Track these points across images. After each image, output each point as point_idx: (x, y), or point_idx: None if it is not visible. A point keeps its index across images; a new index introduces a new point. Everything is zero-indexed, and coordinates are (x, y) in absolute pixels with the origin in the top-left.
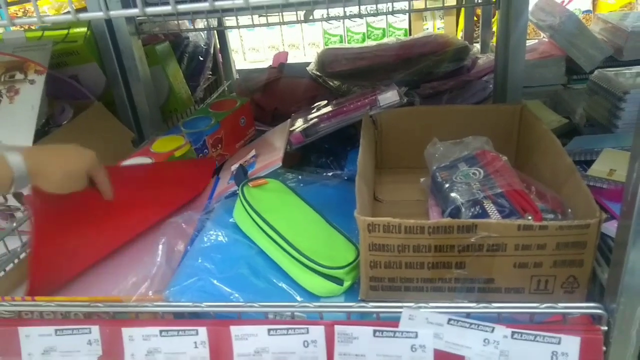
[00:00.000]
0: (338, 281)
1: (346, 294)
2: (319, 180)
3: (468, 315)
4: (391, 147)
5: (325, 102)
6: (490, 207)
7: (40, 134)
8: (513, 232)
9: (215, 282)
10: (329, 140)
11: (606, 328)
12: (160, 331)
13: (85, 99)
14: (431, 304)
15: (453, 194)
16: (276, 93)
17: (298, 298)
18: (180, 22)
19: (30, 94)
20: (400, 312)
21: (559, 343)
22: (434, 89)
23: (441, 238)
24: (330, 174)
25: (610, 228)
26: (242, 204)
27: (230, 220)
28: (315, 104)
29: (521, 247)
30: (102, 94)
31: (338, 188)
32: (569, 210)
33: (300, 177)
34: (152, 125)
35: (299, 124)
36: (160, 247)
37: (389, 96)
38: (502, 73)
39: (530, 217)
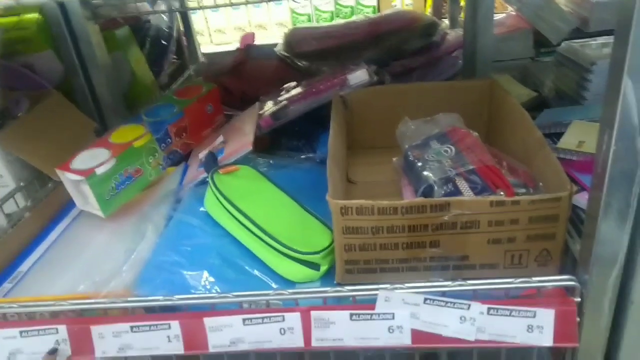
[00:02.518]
0: (314, 266)
1: (323, 278)
2: (290, 164)
3: (444, 293)
4: (362, 127)
5: (295, 83)
6: (462, 185)
7: None
8: (486, 208)
9: (186, 274)
10: (300, 122)
11: (579, 299)
12: (131, 327)
13: (42, 88)
14: (407, 285)
15: (425, 173)
16: (244, 76)
17: (273, 285)
18: (139, 4)
19: None
20: (376, 295)
21: (534, 316)
22: (404, 67)
23: (414, 218)
24: (302, 157)
25: (581, 200)
26: (213, 192)
27: (201, 209)
28: (284, 86)
29: (494, 223)
30: (60, 83)
31: (311, 171)
32: (540, 184)
33: (271, 161)
34: (115, 113)
35: (268, 107)
36: (131, 240)
37: (359, 75)
38: (471, 48)
39: (502, 193)
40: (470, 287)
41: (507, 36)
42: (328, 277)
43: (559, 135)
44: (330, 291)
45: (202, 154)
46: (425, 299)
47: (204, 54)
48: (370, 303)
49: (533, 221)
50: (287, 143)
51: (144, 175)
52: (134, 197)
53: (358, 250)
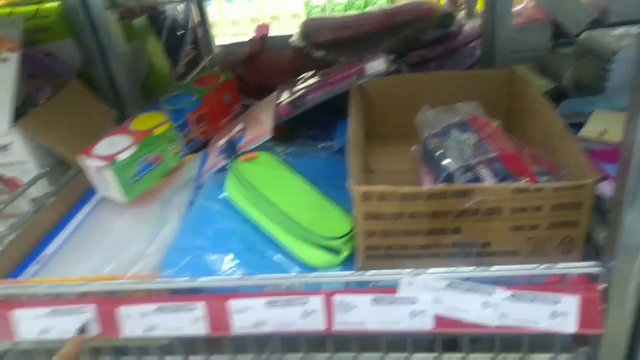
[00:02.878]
0: (335, 252)
1: (343, 264)
2: (308, 153)
3: (466, 279)
4: (380, 116)
5: (311, 73)
6: (484, 172)
7: (18, 114)
8: (508, 195)
9: (209, 257)
10: (317, 111)
11: (605, 285)
12: (158, 308)
13: (62, 77)
14: (429, 270)
15: (445, 161)
16: (260, 66)
17: (295, 270)
18: None
19: (4, 73)
20: (399, 279)
21: (558, 303)
22: (421, 57)
23: (437, 204)
24: (319, 146)
25: (604, 188)
26: (234, 178)
27: (222, 195)
28: (301, 76)
29: (517, 210)
30: (79, 72)
31: (328, 160)
32: (563, 172)
33: (289, 149)
34: (133, 102)
35: (286, 96)
36: (154, 224)
37: (376, 65)
38: (490, 38)
39: (525, 180)
40: (493, 273)
41: (525, 27)
42: (348, 264)
43: (579, 126)
44: (353, 275)
45: (222, 142)
46: (448, 284)
47: (219, 46)
48: (392, 288)
49: (556, 208)
50: (305, 132)
51: (164, 163)
52: (155, 184)
53: (379, 236)
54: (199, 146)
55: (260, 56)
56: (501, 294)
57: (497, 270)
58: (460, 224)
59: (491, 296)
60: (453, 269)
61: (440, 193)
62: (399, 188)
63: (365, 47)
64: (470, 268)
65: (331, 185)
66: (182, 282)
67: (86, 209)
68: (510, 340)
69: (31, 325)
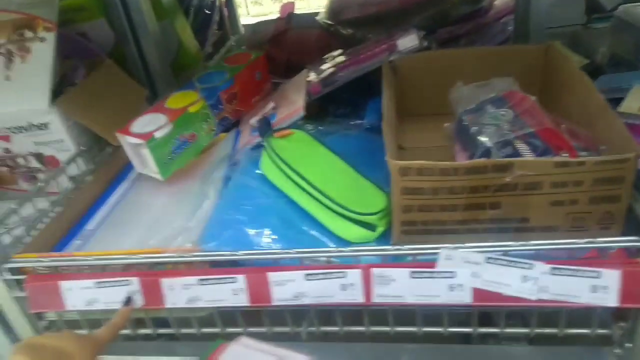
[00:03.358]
0: (370, 227)
1: (377, 241)
2: (339, 131)
3: (505, 253)
4: (412, 93)
5: (340, 51)
6: (522, 147)
7: (55, 94)
8: (549, 169)
9: (249, 231)
10: (347, 90)
11: None
12: (199, 280)
13: (96, 56)
14: (468, 244)
15: (482, 137)
16: (286, 45)
17: (330, 245)
18: None
19: (43, 52)
20: (437, 253)
21: (598, 277)
22: (451, 34)
23: (476, 179)
24: (351, 123)
25: None
26: (269, 155)
27: (257, 171)
28: (328, 55)
29: (557, 185)
30: (111, 51)
31: (359, 138)
32: (602, 147)
33: (320, 127)
34: (164, 82)
35: (316, 74)
36: (193, 199)
37: (408, 41)
38: (524, 13)
39: (565, 155)
40: (533, 247)
41: (558, 2)
42: (383, 240)
43: (616, 102)
44: (391, 249)
45: (254, 120)
46: (488, 258)
47: (244, 25)
48: (429, 262)
49: (597, 183)
50: (335, 110)
51: (198, 141)
52: (190, 162)
53: (416, 211)
54: (231, 125)
55: (286, 35)
56: (541, 267)
57: (537, 244)
58: (499, 199)
59: (531, 270)
60: (492, 243)
61: (479, 167)
62: (437, 163)
63: (394, 24)
64: (509, 242)
65: (363, 162)
66: (225, 255)
67: (124, 186)
68: (548, 314)
69: (78, 296)
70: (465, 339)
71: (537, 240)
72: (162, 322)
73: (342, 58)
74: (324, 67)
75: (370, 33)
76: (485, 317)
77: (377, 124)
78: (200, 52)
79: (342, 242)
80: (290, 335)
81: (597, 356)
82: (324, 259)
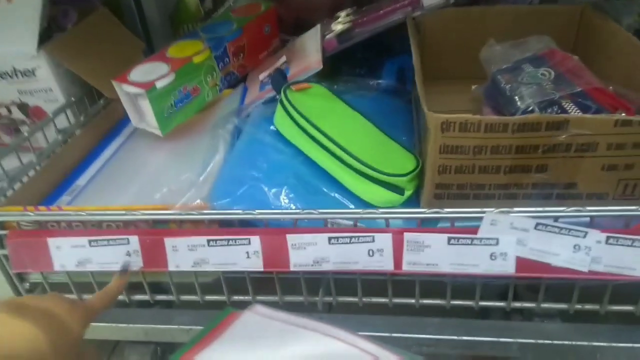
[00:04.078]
0: (398, 190)
1: (404, 205)
2: (354, 91)
3: (555, 220)
4: (434, 54)
5: (354, 8)
6: (570, 108)
7: (43, 39)
8: (609, 128)
9: (263, 190)
10: (362, 49)
11: None
12: (208, 240)
13: (89, 3)
14: (516, 209)
15: (522, 95)
16: (294, 2)
17: (352, 208)
18: None
19: None
20: (480, 218)
21: None
22: None
23: (525, 137)
24: (369, 83)
25: None
26: (286, 109)
27: (271, 127)
28: (340, 12)
29: (614, 147)
30: (106, 1)
31: (376, 99)
32: None
33: (334, 87)
34: (161, 36)
35: (331, 29)
36: (199, 154)
37: None
38: None
39: (623, 114)
40: (588, 214)
41: None
42: (409, 205)
43: None
44: (428, 212)
45: (264, 75)
46: (537, 224)
47: None
48: (467, 228)
49: None
50: (349, 70)
51: (201, 95)
52: (192, 118)
53: (453, 172)
54: (236, 81)
55: None
56: (595, 236)
57: (592, 211)
58: (547, 160)
59: (584, 239)
60: (541, 208)
61: (532, 124)
62: (484, 117)
63: None
64: (561, 208)
65: (383, 123)
66: (241, 213)
67: (119, 140)
68: (590, 287)
69: (68, 255)
70: (484, 314)
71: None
72: (157, 288)
73: (356, 15)
74: (336, 23)
75: None
76: (522, 288)
77: (394, 86)
78: (200, 8)
79: (365, 205)
80: (304, 305)
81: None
82: (350, 222)
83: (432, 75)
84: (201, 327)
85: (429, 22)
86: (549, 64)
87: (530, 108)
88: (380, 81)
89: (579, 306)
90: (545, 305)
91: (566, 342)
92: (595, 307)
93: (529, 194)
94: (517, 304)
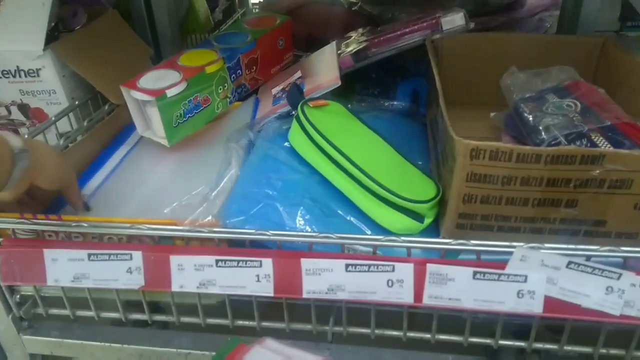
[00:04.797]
0: (418, 217)
1: (422, 234)
2: (368, 111)
3: (588, 259)
4: (451, 78)
5: (367, 28)
6: (601, 142)
7: (50, 39)
8: None
9: (281, 209)
10: (376, 69)
11: None
12: (217, 260)
13: (99, 5)
14: (547, 244)
15: (548, 126)
16: (308, 18)
17: (369, 234)
18: None
19: None
20: (508, 253)
21: None
22: (483, 25)
23: (558, 170)
24: (383, 104)
25: None
26: (303, 125)
27: (285, 144)
28: (354, 32)
29: None
30: (116, 4)
31: (391, 121)
32: None
33: (349, 106)
34: (171, 44)
35: (346, 48)
36: (208, 168)
37: (454, 20)
38: (573, 14)
39: None
40: (623, 254)
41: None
42: (427, 234)
43: None
44: (453, 243)
45: (277, 89)
46: (569, 263)
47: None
48: (493, 262)
49: None
50: (362, 90)
51: (211, 106)
52: (200, 130)
53: (479, 202)
54: (247, 94)
55: (307, 9)
56: (630, 278)
57: (628, 251)
58: (578, 195)
59: (618, 281)
60: (574, 246)
61: (566, 156)
62: (516, 147)
63: (426, 5)
64: (594, 247)
65: (398, 146)
66: (254, 233)
67: (124, 149)
68: (618, 331)
69: (64, 269)
70: (492, 352)
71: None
72: (154, 307)
73: (371, 35)
74: (351, 41)
75: (400, 12)
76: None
77: (408, 108)
78: (210, 18)
79: (381, 231)
80: (312, 334)
81: None
82: (368, 249)
83: (448, 100)
84: (200, 352)
85: (447, 46)
86: (574, 95)
87: (557, 140)
88: (394, 102)
89: (603, 350)
90: (568, 347)
91: None
92: (621, 352)
93: (556, 229)
94: (539, 345)
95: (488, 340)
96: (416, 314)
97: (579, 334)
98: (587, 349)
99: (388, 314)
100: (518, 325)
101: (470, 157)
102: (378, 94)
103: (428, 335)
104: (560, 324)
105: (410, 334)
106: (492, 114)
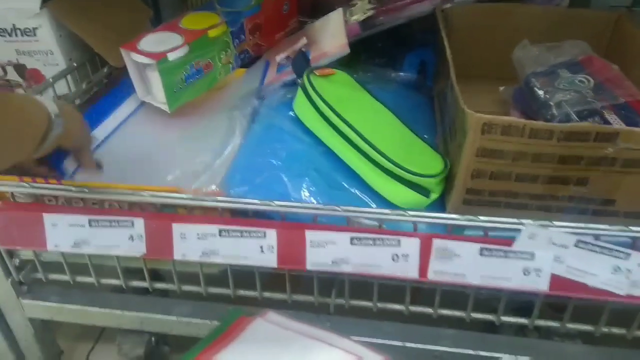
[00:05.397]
0: (424, 192)
1: (428, 209)
2: (374, 82)
3: (597, 238)
4: (460, 50)
5: None
6: (613, 119)
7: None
8: None
9: (285, 180)
10: (383, 39)
11: None
12: (220, 230)
13: None
14: (556, 223)
15: (559, 102)
16: None
17: (372, 206)
18: None
19: None
20: (516, 229)
21: None
22: None
23: (571, 146)
24: (392, 74)
25: None
26: (308, 94)
27: (290, 113)
28: None
29: None
30: None
31: (397, 93)
32: None
33: (354, 76)
34: (171, 5)
35: (352, 16)
36: (221, 135)
37: None
38: None
39: None
40: (634, 234)
41: None
42: (433, 209)
43: None
44: (462, 219)
45: (281, 57)
46: (578, 241)
47: None
48: (500, 239)
49: None
50: (367, 60)
51: (213, 72)
52: (205, 95)
53: (488, 178)
54: (250, 61)
55: None
56: (638, 258)
57: (638, 231)
58: (589, 173)
59: (626, 260)
60: (584, 225)
61: (581, 133)
62: (529, 122)
63: None
64: (604, 226)
65: (405, 119)
66: (258, 204)
67: (122, 113)
68: (621, 312)
69: (65, 234)
70: (492, 328)
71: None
72: (155, 275)
73: (377, 2)
74: (355, 9)
75: None
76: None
77: (415, 80)
78: None
79: (386, 205)
80: (314, 306)
81: None
82: (374, 222)
83: (458, 71)
84: (201, 320)
85: (457, 16)
86: (587, 70)
87: (567, 116)
88: (400, 73)
89: (605, 329)
90: (570, 325)
91: None
92: (622, 331)
93: (564, 206)
94: (541, 322)
95: (490, 316)
96: (418, 288)
97: (580, 312)
98: (588, 327)
99: (388, 288)
100: (519, 302)
101: (482, 132)
102: (384, 65)
103: (430, 310)
104: (563, 301)
105: (413, 308)
106: (501, 88)
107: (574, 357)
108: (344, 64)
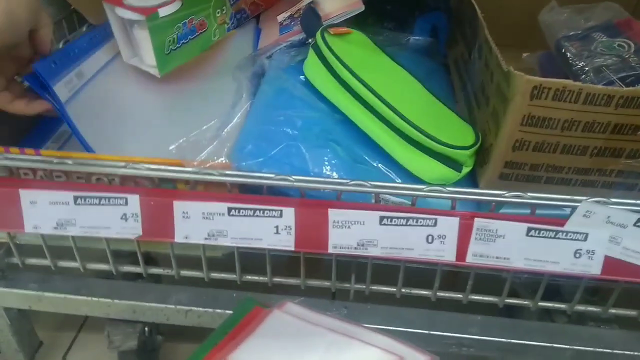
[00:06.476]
0: (456, 166)
1: (458, 184)
2: (386, 46)
3: None
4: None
5: None
6: None
7: None
8: None
9: (304, 151)
10: (392, 1)
11: None
12: (229, 209)
13: None
14: (613, 200)
15: (599, 67)
16: None
17: (397, 182)
18: None
19: None
20: (568, 207)
21: None
22: None
23: (628, 114)
24: (401, 39)
25: None
26: (323, 56)
27: (301, 77)
28: None
29: None
30: None
31: (411, 58)
32: None
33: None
34: None
35: None
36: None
37: None
38: None
39: None
40: None
41: None
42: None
43: None
44: (507, 195)
45: (284, 16)
46: (638, 220)
47: None
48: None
49: None
50: (375, 24)
51: (208, 32)
52: (198, 59)
53: (531, 149)
54: (246, 21)
55: None
56: None
57: None
58: None
59: None
60: None
61: None
62: (586, 85)
63: None
64: None
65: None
66: (275, 179)
67: (104, 78)
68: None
69: (45, 214)
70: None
71: None
72: (147, 258)
73: None
74: None
75: None
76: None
77: (427, 45)
78: None
79: (413, 180)
80: (326, 291)
81: None
82: (406, 200)
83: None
84: (202, 309)
85: None
86: (625, 34)
87: (611, 81)
88: (411, 37)
89: None
90: (613, 310)
91: (628, 352)
92: None
93: (611, 182)
94: (581, 307)
95: (526, 302)
96: (450, 272)
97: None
98: (631, 312)
99: (409, 271)
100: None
101: (531, 97)
102: (393, 28)
103: (460, 296)
104: (599, 284)
105: (440, 294)
106: (524, 54)
107: (612, 343)
108: (351, 26)
